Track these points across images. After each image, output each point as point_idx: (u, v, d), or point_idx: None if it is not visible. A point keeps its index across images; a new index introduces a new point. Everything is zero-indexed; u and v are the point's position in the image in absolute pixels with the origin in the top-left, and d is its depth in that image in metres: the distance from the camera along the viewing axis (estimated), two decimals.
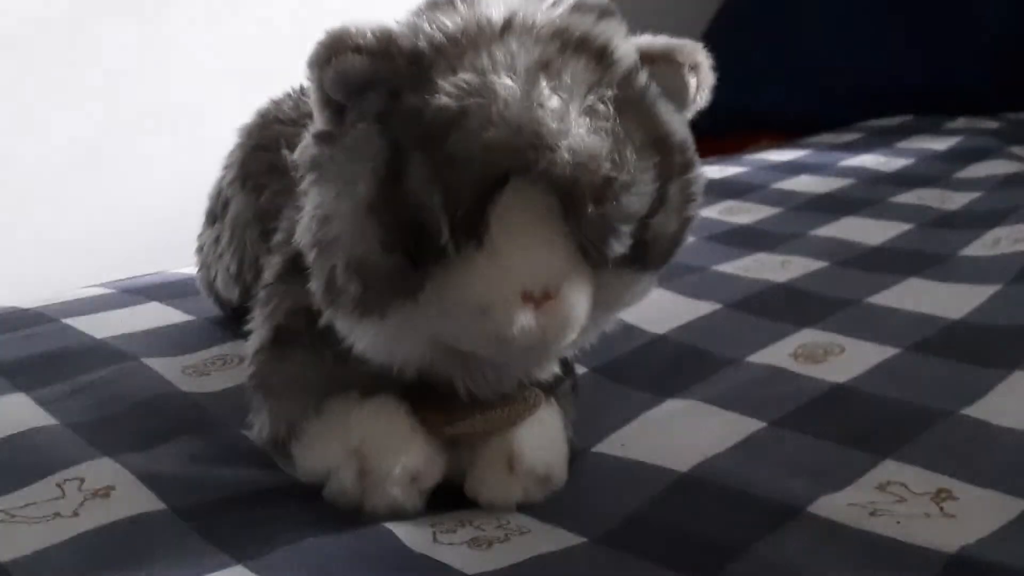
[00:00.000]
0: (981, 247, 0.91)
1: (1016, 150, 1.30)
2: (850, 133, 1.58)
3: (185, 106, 1.27)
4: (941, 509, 0.49)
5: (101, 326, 0.75)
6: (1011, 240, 0.89)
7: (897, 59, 1.70)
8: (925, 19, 1.70)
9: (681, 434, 0.59)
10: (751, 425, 0.59)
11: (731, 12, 1.89)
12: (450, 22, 0.45)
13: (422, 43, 0.44)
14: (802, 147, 1.49)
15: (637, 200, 0.45)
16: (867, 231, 1.00)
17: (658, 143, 0.46)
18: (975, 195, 1.11)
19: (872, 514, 0.49)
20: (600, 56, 0.45)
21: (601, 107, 0.44)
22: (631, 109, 0.45)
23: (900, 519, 0.48)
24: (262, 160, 0.67)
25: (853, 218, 1.06)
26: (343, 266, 0.46)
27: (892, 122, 1.63)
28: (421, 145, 0.43)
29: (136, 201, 1.23)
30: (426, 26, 0.45)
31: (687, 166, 0.48)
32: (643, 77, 0.47)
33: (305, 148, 0.49)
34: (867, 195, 1.15)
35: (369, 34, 0.45)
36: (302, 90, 0.69)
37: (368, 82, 0.45)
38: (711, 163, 1.36)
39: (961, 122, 1.56)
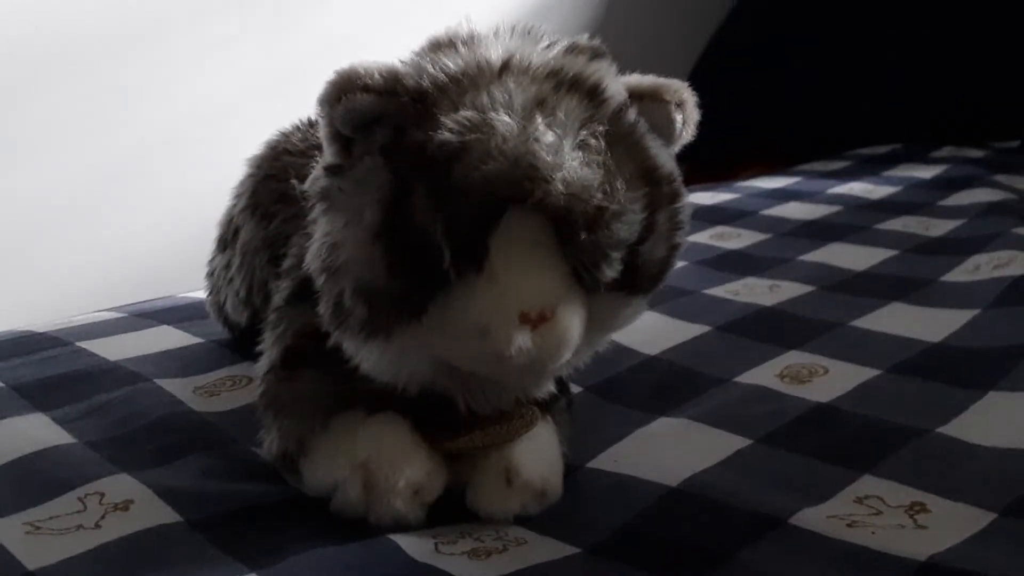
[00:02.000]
0: (962, 273, 0.93)
1: (1000, 178, 1.33)
2: (839, 161, 1.61)
3: (193, 137, 1.28)
4: (915, 521, 0.51)
5: (114, 349, 0.77)
6: (990, 266, 0.92)
7: (885, 89, 1.73)
8: (912, 51, 1.74)
9: (671, 450, 0.61)
10: (738, 442, 0.61)
11: (723, 43, 1.92)
12: (452, 63, 0.47)
13: (426, 83, 0.47)
14: (792, 175, 1.52)
15: (627, 228, 0.47)
16: (853, 257, 1.02)
17: (646, 175, 0.48)
18: (958, 222, 1.13)
19: (849, 525, 0.51)
20: (592, 94, 0.48)
21: (593, 142, 0.46)
22: (621, 143, 0.47)
23: (875, 530, 0.50)
24: (272, 189, 0.69)
25: (840, 244, 1.08)
26: (351, 290, 0.48)
27: (880, 150, 1.65)
28: (425, 177, 0.45)
29: (145, 229, 1.25)
30: (429, 67, 0.47)
31: (674, 196, 0.51)
32: (632, 114, 0.49)
33: (315, 179, 0.51)
34: (854, 222, 1.18)
35: (376, 74, 0.47)
36: (310, 122, 0.72)
37: (375, 118, 0.47)
38: (703, 190, 1.39)
39: (947, 151, 1.59)
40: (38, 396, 0.69)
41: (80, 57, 1.17)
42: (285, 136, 0.73)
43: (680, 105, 0.51)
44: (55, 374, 0.73)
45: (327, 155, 0.50)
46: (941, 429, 0.61)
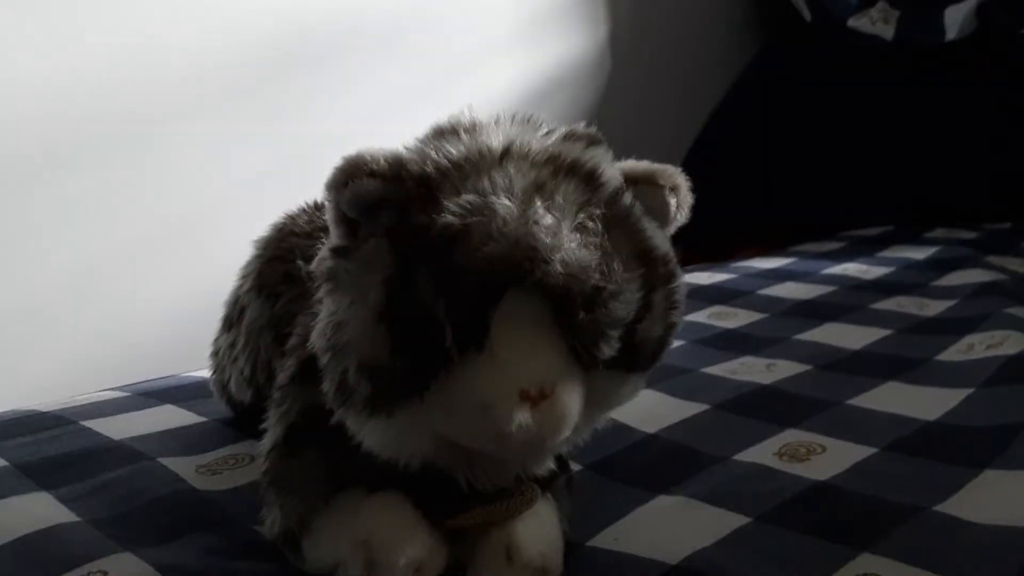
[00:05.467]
0: (956, 352, 0.94)
1: (992, 259, 1.35)
2: (833, 242, 1.63)
3: (199, 220, 1.30)
4: None
5: (118, 427, 0.78)
6: (983, 346, 0.93)
7: (878, 172, 1.76)
8: (904, 135, 1.77)
9: (671, 528, 0.61)
10: (737, 520, 0.61)
11: (717, 128, 1.96)
12: (454, 149, 0.49)
13: (429, 168, 0.48)
14: (787, 255, 1.54)
15: (624, 307, 0.48)
16: (848, 336, 1.03)
17: (642, 256, 0.49)
18: (951, 302, 1.14)
19: None
20: (589, 179, 0.49)
21: (590, 224, 0.47)
22: (617, 226, 0.49)
23: None
24: (278, 270, 0.70)
25: (835, 324, 1.09)
26: (355, 368, 0.48)
27: (873, 232, 1.67)
28: (428, 258, 0.46)
29: (149, 310, 1.26)
30: (433, 153, 0.49)
31: (670, 276, 0.52)
32: (628, 197, 0.50)
33: (322, 260, 0.52)
34: (849, 302, 1.19)
35: (382, 160, 0.48)
36: (316, 205, 0.73)
37: (380, 202, 0.48)
38: (700, 270, 1.40)
39: (939, 232, 1.61)
40: (42, 475, 0.69)
41: (87, 142, 1.20)
42: (291, 219, 0.75)
43: (674, 189, 0.52)
44: (59, 453, 0.73)
45: (333, 237, 0.51)
46: (938, 507, 0.61)
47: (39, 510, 0.63)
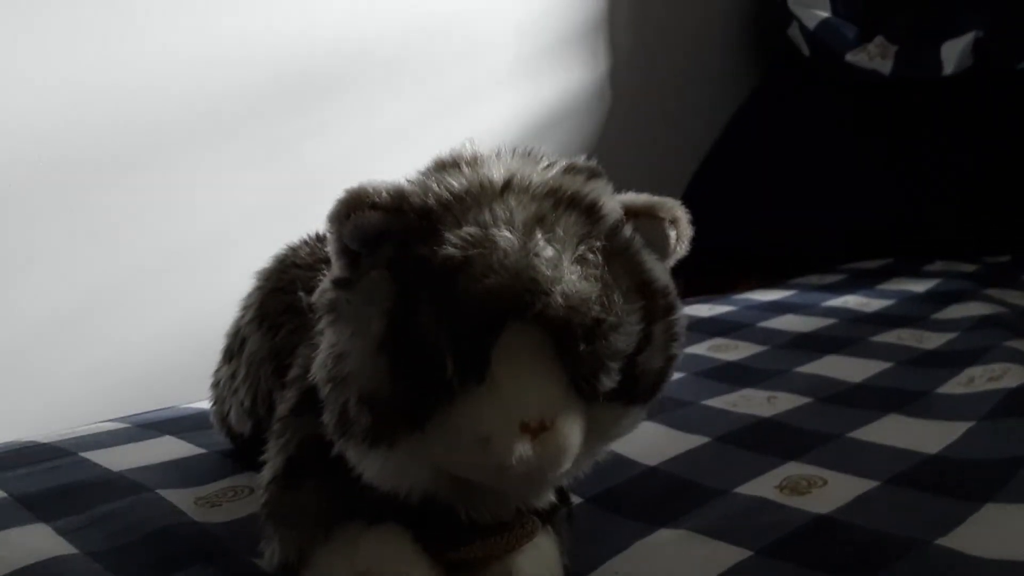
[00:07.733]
0: (956, 385, 0.94)
1: (991, 292, 1.35)
2: (833, 275, 1.63)
3: (200, 252, 1.31)
4: None
5: (118, 459, 0.78)
6: (984, 379, 0.92)
7: (879, 205, 1.77)
8: (904, 167, 1.78)
9: (672, 562, 0.61)
10: (738, 554, 0.61)
11: (717, 160, 1.97)
12: (456, 182, 0.49)
13: (431, 201, 0.48)
14: (787, 288, 1.54)
15: (624, 339, 0.48)
16: (849, 369, 1.03)
17: (642, 288, 0.49)
18: (951, 335, 1.14)
19: None
20: (589, 212, 0.49)
21: (591, 256, 0.47)
22: (618, 258, 0.49)
23: None
24: (279, 301, 0.70)
25: (836, 356, 1.09)
26: (355, 399, 0.48)
27: (873, 265, 1.68)
28: (429, 290, 0.46)
29: (149, 342, 1.26)
30: (434, 186, 0.49)
31: (670, 309, 0.52)
32: (628, 230, 0.51)
33: (323, 292, 0.52)
34: (849, 334, 1.19)
35: (384, 192, 0.49)
36: (317, 237, 0.74)
37: (382, 234, 0.49)
38: (701, 302, 1.40)
39: (939, 265, 1.61)
40: (41, 506, 0.69)
41: (85, 174, 1.20)
42: (293, 250, 0.75)
43: (674, 222, 0.53)
44: (58, 484, 0.73)
45: (335, 269, 0.51)
46: (940, 541, 0.61)
47: (37, 542, 0.63)
